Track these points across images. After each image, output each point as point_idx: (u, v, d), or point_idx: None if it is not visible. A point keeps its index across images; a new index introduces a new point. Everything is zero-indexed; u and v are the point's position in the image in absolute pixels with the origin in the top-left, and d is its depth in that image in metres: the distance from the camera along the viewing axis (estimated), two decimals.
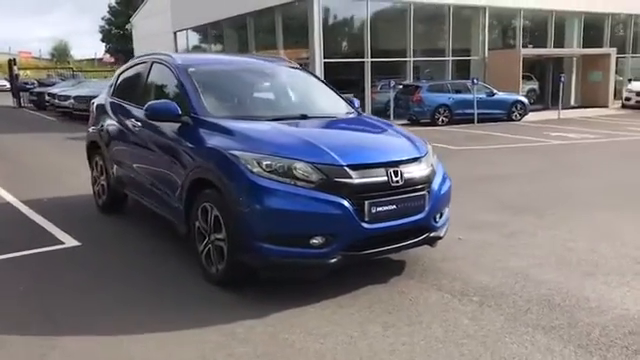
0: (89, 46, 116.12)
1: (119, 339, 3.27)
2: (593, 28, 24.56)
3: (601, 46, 24.58)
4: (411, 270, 4.38)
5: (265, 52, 19.72)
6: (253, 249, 3.68)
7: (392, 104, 17.70)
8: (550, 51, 23.02)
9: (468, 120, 17.47)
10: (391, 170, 3.82)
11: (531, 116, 19.07)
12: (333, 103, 5.20)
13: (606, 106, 23.50)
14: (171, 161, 4.56)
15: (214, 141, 4.06)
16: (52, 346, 3.18)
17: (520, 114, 18.68)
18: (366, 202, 3.67)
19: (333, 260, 3.68)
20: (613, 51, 23.59)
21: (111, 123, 5.78)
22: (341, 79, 17.82)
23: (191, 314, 3.62)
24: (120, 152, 5.59)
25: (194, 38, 27.34)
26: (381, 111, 17.80)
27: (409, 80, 19.58)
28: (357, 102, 5.49)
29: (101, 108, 6.19)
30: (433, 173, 4.16)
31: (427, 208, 4.02)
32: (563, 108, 20.19)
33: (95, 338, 3.29)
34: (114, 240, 5.30)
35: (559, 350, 3.11)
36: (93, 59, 62.53)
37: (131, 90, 5.63)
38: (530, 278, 4.21)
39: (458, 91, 18.22)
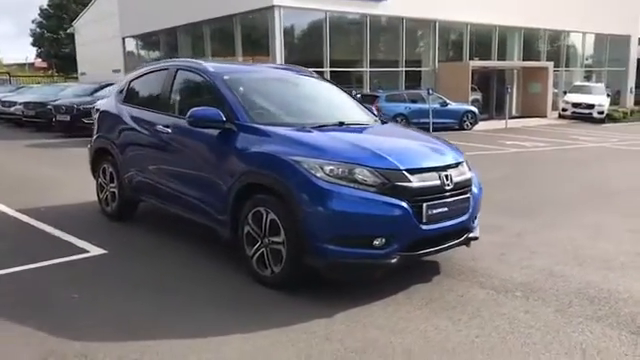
0: (17, 50, 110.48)
1: (206, 341, 3.31)
2: (531, 43, 26.08)
3: (539, 60, 26.13)
4: (446, 269, 4.63)
5: (225, 60, 19.60)
6: (318, 251, 3.82)
7: None
8: (495, 63, 24.21)
9: (423, 129, 17.92)
10: (443, 174, 4.07)
11: (480, 125, 19.99)
12: (360, 111, 5.40)
13: (545, 116, 24.95)
14: (211, 167, 4.61)
15: (268, 147, 4.16)
16: (141, 351, 3.19)
17: (471, 123, 19.57)
18: (424, 204, 3.89)
19: (393, 260, 3.87)
20: (550, 64, 25.13)
21: (127, 130, 5.71)
22: None
23: (260, 315, 3.70)
24: (140, 159, 5.53)
25: (144, 45, 26.78)
26: None
27: (366, 90, 20.05)
28: (375, 110, 5.73)
29: (110, 115, 6.09)
30: (473, 176, 4.44)
31: (470, 210, 4.30)
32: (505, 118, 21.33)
33: (180, 341, 3.31)
34: (140, 247, 5.25)
35: (616, 336, 3.43)
36: (24, 64, 59.48)
37: (152, 97, 5.61)
38: (556, 274, 4.56)
39: (414, 101, 18.84)
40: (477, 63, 22.88)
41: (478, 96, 25.77)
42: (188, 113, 4.56)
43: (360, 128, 4.87)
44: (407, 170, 3.91)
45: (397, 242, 3.85)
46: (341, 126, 4.72)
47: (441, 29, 22.29)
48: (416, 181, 3.91)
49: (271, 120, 4.61)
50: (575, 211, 6.94)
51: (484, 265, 4.75)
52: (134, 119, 5.65)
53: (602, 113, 24.22)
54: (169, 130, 5.07)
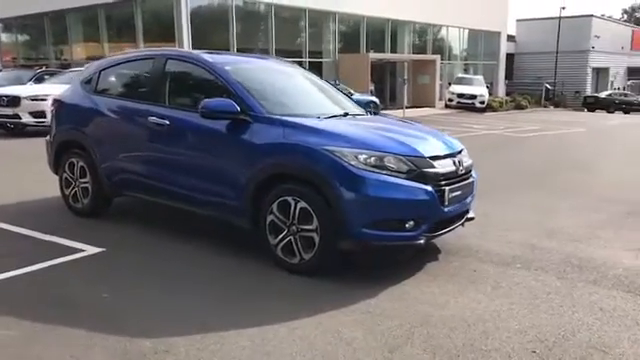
0: None
1: (277, 328, 3.38)
2: (418, 36, 27.73)
3: (424, 52, 27.85)
4: (445, 248, 5.01)
5: (123, 46, 18.66)
6: (355, 235, 4.02)
7: None
8: (390, 56, 25.45)
9: None
10: (456, 160, 4.44)
11: None
12: (350, 102, 5.63)
13: (433, 106, 26.75)
14: (221, 159, 4.61)
15: (295, 138, 4.25)
16: (220, 342, 3.21)
17: (374, 113, 20.45)
18: (446, 188, 4.24)
19: (421, 241, 4.18)
20: (437, 57, 26.92)
21: (106, 122, 5.44)
22: None
23: (309, 301, 3.81)
24: (125, 153, 5.29)
25: (17, 30, 24.49)
26: None
27: None
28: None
29: (79, 106, 5.74)
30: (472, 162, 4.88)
31: (473, 192, 4.73)
32: (398, 108, 22.62)
33: (249, 331, 3.35)
34: (136, 242, 5.06)
35: (618, 295, 4.03)
36: None
37: (138, 87, 5.41)
38: (537, 247, 5.14)
39: None
40: (375, 55, 23.92)
41: (372, 87, 27.00)
42: (200, 104, 4.50)
43: (365, 118, 5.11)
44: (430, 157, 4.24)
45: (424, 224, 4.16)
46: (346, 116, 4.92)
47: (340, 21, 22.96)
48: (438, 167, 4.24)
49: (282, 111, 4.66)
50: (517, 192, 7.73)
51: (472, 242, 5.21)
52: (114, 111, 5.40)
53: (483, 103, 26.51)
54: (167, 122, 4.93)
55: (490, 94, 30.32)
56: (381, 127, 4.75)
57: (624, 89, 41.60)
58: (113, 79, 5.70)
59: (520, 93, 32.59)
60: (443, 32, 29.62)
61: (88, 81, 5.83)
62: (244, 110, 4.50)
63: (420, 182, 4.12)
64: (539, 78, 36.19)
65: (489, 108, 26.80)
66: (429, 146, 4.41)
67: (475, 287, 4.14)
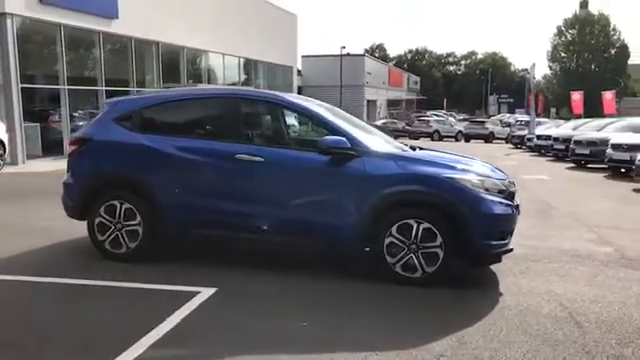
0: None
1: (448, 340, 3.93)
2: (230, 69, 28.67)
3: (236, 85, 28.83)
4: None
5: None
6: (480, 247, 4.85)
7: None
8: (210, 87, 25.74)
9: None
10: (511, 181, 5.56)
11: None
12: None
13: None
14: (331, 191, 5.01)
15: (413, 168, 4.91)
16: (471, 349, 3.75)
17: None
18: (517, 204, 5.32)
19: (512, 247, 5.17)
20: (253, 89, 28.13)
21: (172, 161, 5.22)
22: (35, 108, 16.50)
23: (442, 317, 4.28)
24: (203, 191, 5.22)
25: None
26: None
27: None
28: None
29: (120, 145, 5.39)
30: None
31: None
32: None
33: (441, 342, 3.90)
34: (236, 278, 5.00)
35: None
36: None
37: (207, 126, 5.48)
38: (537, 247, 6.43)
39: None
40: (203, 87, 24.00)
41: None
42: (320, 141, 4.87)
43: (428, 152, 5.83)
44: (509, 180, 5.29)
45: (511, 234, 5.16)
46: (415, 150, 5.68)
47: (163, 51, 22.60)
48: (515, 188, 5.32)
49: (375, 146, 5.20)
50: None
51: None
52: (181, 149, 5.20)
53: None
54: (260, 159, 5.03)
55: None
56: (455, 157, 5.60)
57: (386, 118, 48.39)
58: (166, 118, 5.50)
59: None
60: (251, 66, 30.99)
61: (126, 118, 5.47)
62: (352, 146, 4.97)
63: (510, 200, 5.12)
64: None
65: None
66: (500, 172, 5.46)
67: (569, 280, 5.24)
